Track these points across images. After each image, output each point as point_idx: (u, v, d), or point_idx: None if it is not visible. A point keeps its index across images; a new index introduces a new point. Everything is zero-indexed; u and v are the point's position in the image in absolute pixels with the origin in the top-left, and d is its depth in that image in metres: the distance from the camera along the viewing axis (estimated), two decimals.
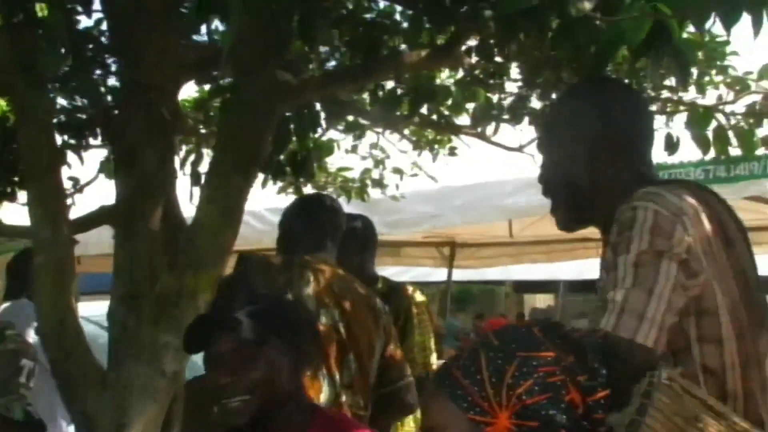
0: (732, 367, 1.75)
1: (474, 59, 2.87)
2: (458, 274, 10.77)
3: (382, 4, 3.03)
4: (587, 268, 11.00)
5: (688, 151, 5.91)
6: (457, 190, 7.35)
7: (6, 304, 3.86)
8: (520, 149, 3.74)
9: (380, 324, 2.96)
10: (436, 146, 4.35)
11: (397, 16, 2.99)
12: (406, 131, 4.55)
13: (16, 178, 3.56)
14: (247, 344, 1.97)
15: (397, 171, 4.75)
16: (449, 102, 3.43)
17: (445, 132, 3.84)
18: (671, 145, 2.62)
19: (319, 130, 3.57)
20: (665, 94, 3.27)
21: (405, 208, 6.78)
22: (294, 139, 3.14)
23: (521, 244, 9.40)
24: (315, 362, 2.10)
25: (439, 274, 10.91)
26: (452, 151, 4.10)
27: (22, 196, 3.78)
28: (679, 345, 1.70)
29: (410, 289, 3.92)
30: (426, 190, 6.90)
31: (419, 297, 3.87)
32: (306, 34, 2.25)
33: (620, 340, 1.59)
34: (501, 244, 9.52)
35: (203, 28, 3.16)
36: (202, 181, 4.02)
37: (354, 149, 4.66)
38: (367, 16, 2.95)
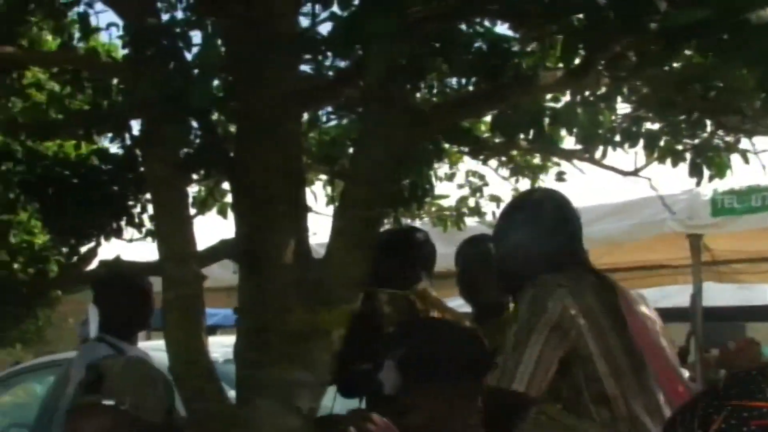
0: (614, 398, 2.42)
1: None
2: None
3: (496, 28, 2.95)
4: (662, 296, 10.78)
5: None
6: None
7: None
8: (635, 173, 3.63)
9: None
10: (538, 172, 4.26)
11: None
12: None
13: (124, 216, 3.53)
14: (394, 396, 1.87)
15: (495, 199, 4.65)
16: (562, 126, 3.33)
17: (556, 156, 3.74)
18: None
19: None
20: None
21: None
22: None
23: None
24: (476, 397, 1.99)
25: None
26: (560, 177, 3.99)
27: (128, 233, 3.77)
28: (575, 383, 2.41)
29: None
30: None
31: None
32: (449, 59, 2.18)
33: (498, 390, 2.23)
34: None
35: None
36: None
37: (450, 177, 4.57)
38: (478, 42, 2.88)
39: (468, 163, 4.57)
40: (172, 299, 2.63)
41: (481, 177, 4.56)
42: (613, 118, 3.53)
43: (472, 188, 4.66)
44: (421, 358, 1.92)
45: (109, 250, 3.56)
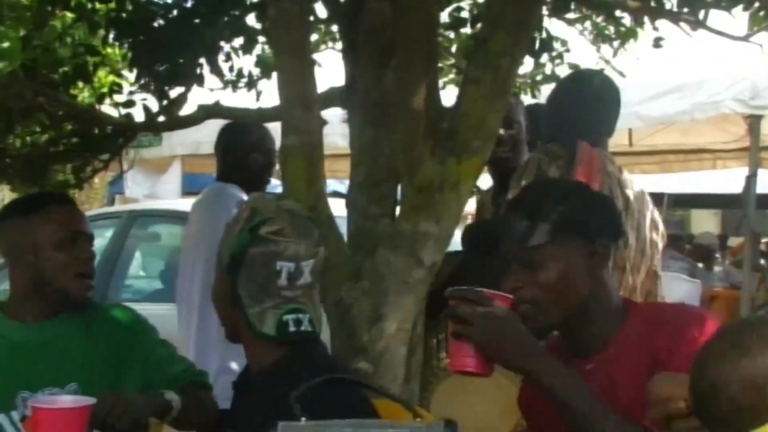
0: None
1: None
2: None
3: None
4: (695, 180, 10.71)
5: None
6: None
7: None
8: (746, 38, 3.48)
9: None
10: (627, 37, 4.10)
11: None
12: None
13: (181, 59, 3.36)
14: (533, 246, 1.79)
15: (574, 67, 4.48)
16: None
17: (665, 18, 3.56)
18: None
19: None
20: None
21: None
22: None
23: (636, 154, 9.10)
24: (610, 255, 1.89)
25: None
26: (658, 43, 3.82)
27: (211, 81, 3.63)
28: None
29: None
30: None
31: None
32: None
33: None
34: (617, 153, 9.16)
35: None
36: None
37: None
38: None
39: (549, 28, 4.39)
40: (293, 144, 2.53)
41: (564, 42, 4.37)
42: None
43: (551, 55, 4.47)
44: (565, 209, 1.81)
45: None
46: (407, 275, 2.50)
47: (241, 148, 3.35)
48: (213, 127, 3.74)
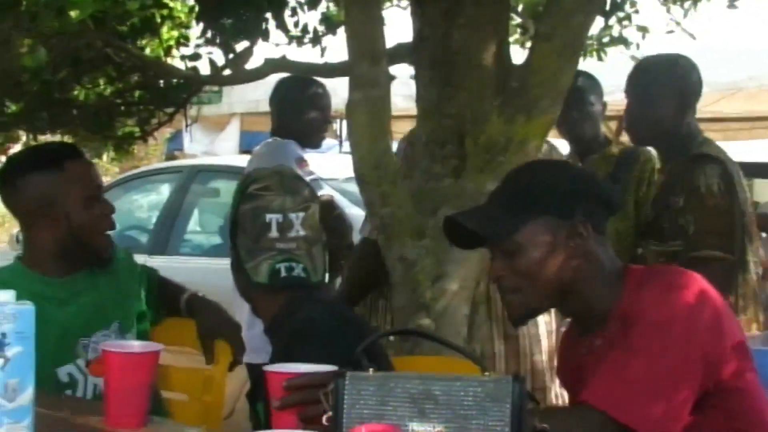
0: None
1: None
2: None
3: None
4: (761, 148, 10.48)
5: None
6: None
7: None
8: None
9: None
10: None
11: None
12: None
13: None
14: (506, 234, 1.74)
15: (642, 29, 4.39)
16: None
17: None
18: None
19: None
20: None
21: None
22: None
23: (699, 121, 8.91)
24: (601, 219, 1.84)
25: None
26: (732, 3, 3.71)
27: (276, 36, 3.62)
28: None
29: (650, 150, 3.48)
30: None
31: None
32: None
33: None
34: None
35: None
36: None
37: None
38: None
39: None
40: (359, 99, 2.51)
41: (633, 3, 4.28)
42: None
43: (618, 17, 4.38)
44: (520, 194, 1.77)
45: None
46: None
47: (297, 104, 3.33)
48: (272, 84, 3.73)
